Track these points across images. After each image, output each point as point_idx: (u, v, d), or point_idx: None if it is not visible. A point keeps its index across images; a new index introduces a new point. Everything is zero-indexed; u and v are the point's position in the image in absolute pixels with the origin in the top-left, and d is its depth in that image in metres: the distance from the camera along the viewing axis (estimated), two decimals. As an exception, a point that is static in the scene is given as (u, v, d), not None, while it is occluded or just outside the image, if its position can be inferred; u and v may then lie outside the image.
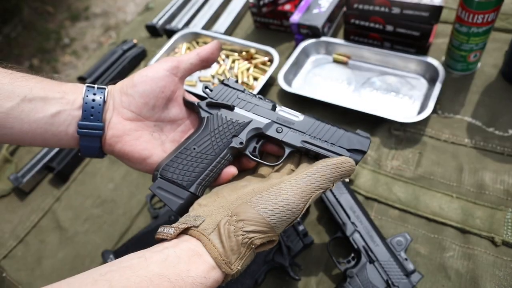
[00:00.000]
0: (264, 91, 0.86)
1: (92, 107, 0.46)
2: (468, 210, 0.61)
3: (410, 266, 0.56)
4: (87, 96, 0.47)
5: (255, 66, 0.89)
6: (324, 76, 0.85)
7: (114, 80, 0.97)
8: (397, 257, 0.57)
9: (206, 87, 0.53)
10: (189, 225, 0.39)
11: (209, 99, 0.51)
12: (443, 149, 0.70)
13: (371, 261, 0.57)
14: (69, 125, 0.46)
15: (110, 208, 0.77)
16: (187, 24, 1.05)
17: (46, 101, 0.44)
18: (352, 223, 0.60)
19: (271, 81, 0.87)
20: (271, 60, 0.88)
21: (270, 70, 0.84)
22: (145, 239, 0.67)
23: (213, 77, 0.91)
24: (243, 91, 0.52)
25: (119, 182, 0.81)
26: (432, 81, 0.77)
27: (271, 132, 0.49)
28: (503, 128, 0.70)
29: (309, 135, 0.49)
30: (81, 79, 0.98)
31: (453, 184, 0.65)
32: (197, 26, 1.04)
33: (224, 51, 0.95)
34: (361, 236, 0.59)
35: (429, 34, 0.78)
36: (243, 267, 0.38)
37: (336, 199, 0.63)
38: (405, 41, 0.81)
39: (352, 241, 0.59)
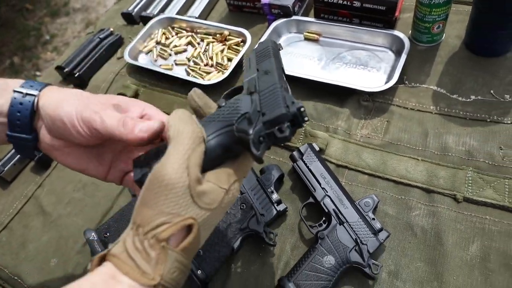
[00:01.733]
0: (238, 72, 0.88)
1: (18, 118, 0.43)
2: (433, 171, 0.65)
3: (377, 225, 0.59)
4: (14, 99, 0.43)
5: (229, 48, 0.91)
6: (296, 54, 0.87)
7: (90, 68, 0.98)
8: (365, 217, 0.60)
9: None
10: (104, 252, 0.35)
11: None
12: (410, 116, 0.73)
13: (341, 223, 0.60)
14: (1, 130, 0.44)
15: (91, 191, 0.79)
16: (162, 10, 1.07)
17: None
18: (323, 188, 0.63)
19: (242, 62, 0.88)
20: (244, 41, 0.90)
21: (242, 51, 0.86)
22: (126, 216, 0.69)
23: (188, 60, 0.92)
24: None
25: (100, 166, 0.83)
26: (398, 53, 0.80)
27: None
28: (465, 95, 0.73)
29: None
30: (60, 69, 0.99)
31: (418, 149, 0.68)
32: (172, 11, 1.05)
33: (199, 35, 0.97)
34: (331, 200, 0.62)
35: (395, 8, 0.80)
36: (173, 272, 0.34)
37: (307, 167, 0.65)
38: (372, 16, 0.83)
39: (323, 205, 0.62)
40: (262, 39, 0.87)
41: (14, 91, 0.43)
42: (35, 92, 0.44)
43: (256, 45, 0.56)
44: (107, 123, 0.42)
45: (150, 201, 0.34)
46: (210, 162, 0.40)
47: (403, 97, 0.75)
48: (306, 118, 0.38)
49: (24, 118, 0.43)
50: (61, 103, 0.43)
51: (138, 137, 0.42)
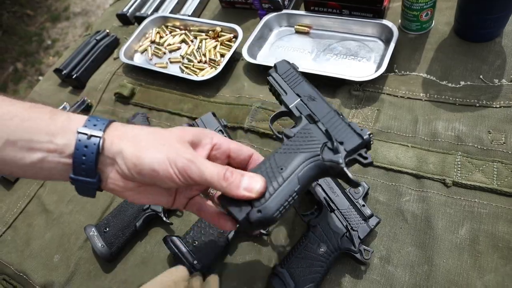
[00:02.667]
0: (230, 67, 0.89)
1: (83, 162, 0.40)
2: (422, 157, 0.65)
3: (367, 211, 0.60)
4: (79, 142, 0.40)
5: (222, 44, 0.92)
6: (288, 47, 0.88)
7: (87, 70, 1.00)
8: (356, 204, 0.61)
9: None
10: None
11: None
12: (400, 104, 0.74)
13: (332, 210, 0.61)
14: (60, 172, 0.41)
15: (92, 188, 0.81)
16: (156, 9, 1.08)
17: (30, 145, 0.39)
18: (314, 177, 0.64)
19: (237, 57, 0.90)
20: (236, 37, 0.91)
21: (234, 46, 0.87)
22: (124, 211, 0.71)
23: (182, 57, 0.94)
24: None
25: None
26: (388, 43, 0.80)
27: None
28: (455, 81, 0.74)
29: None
30: (58, 71, 1.01)
31: (408, 135, 0.69)
32: (165, 10, 1.06)
33: (192, 33, 0.98)
34: (322, 189, 0.63)
35: (383, -3, 0.81)
36: None
37: (298, 157, 0.66)
38: (361, 6, 0.84)
39: (315, 194, 0.63)
40: (254, 34, 0.88)
41: (79, 132, 0.40)
42: (99, 133, 0.40)
43: (273, 67, 0.60)
44: (206, 176, 0.41)
45: None
46: (301, 192, 0.44)
47: (393, 85, 0.76)
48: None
49: (89, 162, 0.40)
50: (144, 150, 0.41)
51: (244, 196, 0.42)
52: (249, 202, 0.42)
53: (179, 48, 0.96)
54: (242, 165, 0.49)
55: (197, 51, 0.93)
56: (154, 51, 0.97)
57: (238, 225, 0.45)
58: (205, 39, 0.94)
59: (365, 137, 0.46)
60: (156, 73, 0.93)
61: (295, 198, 0.44)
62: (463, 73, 0.74)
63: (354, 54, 0.82)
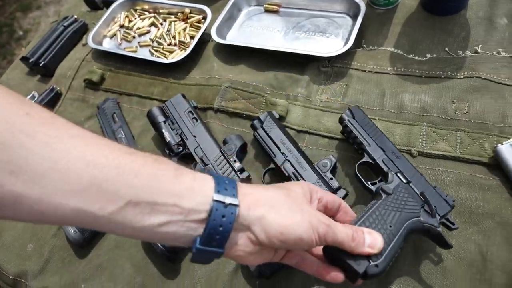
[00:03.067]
0: (200, 49, 0.88)
1: (218, 233, 0.36)
2: (389, 129, 0.66)
3: (335, 184, 0.61)
4: (216, 211, 0.35)
5: (191, 25, 0.91)
6: (257, 26, 0.87)
7: (55, 57, 0.97)
8: (324, 177, 0.62)
9: None
10: None
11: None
12: (368, 79, 0.74)
13: (300, 184, 0.62)
14: (181, 237, 0.36)
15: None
16: (124, -7, 1.05)
17: (153, 207, 0.34)
18: (282, 153, 0.65)
19: (207, 38, 0.89)
20: (205, 18, 0.90)
21: (203, 27, 0.86)
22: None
23: (152, 41, 0.92)
24: None
25: (71, 152, 0.83)
26: (356, 18, 0.80)
27: None
28: (422, 54, 0.74)
29: None
30: (24, 59, 0.98)
31: (376, 109, 0.70)
32: (134, -6, 1.04)
33: (162, 15, 0.96)
34: (291, 164, 0.64)
35: (350, -27, 0.81)
36: None
37: (267, 134, 0.66)
38: (329, -18, 0.84)
39: (283, 169, 0.64)
40: (222, 14, 0.87)
41: (215, 200, 0.36)
42: (236, 201, 0.36)
43: (348, 111, 0.64)
44: (339, 238, 0.42)
45: None
46: (397, 247, 0.49)
47: (361, 60, 0.77)
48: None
49: (225, 232, 0.36)
50: (289, 218, 0.38)
51: (369, 253, 0.44)
52: (366, 256, 0.46)
53: (148, 32, 0.95)
54: (334, 214, 0.49)
55: (166, 34, 0.91)
56: (123, 35, 0.95)
57: (353, 277, 0.46)
58: (174, 21, 0.93)
59: (451, 204, 0.54)
60: (125, 57, 0.91)
61: (398, 254, 0.50)
62: (430, 46, 0.75)
63: (322, 31, 0.82)
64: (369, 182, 0.59)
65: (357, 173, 0.60)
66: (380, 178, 0.59)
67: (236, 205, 0.36)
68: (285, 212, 0.39)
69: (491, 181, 0.60)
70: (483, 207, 0.58)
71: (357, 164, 0.60)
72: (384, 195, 0.54)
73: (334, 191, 0.60)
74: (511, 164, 0.57)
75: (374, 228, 0.49)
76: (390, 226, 0.50)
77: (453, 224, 0.53)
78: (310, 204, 0.44)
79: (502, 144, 0.58)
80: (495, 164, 0.60)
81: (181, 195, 0.35)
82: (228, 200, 0.36)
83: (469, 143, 0.62)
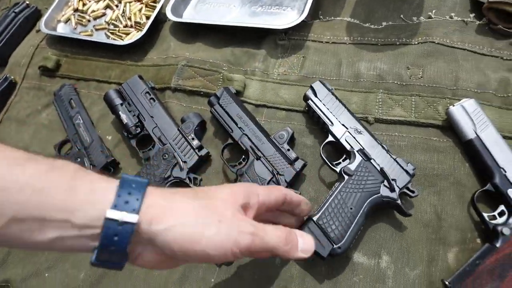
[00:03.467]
0: (157, 29, 0.86)
1: (111, 252, 0.33)
2: (346, 98, 0.66)
3: (292, 155, 0.61)
4: (108, 229, 0.32)
5: (147, 6, 0.89)
6: (213, 3, 0.85)
7: (7, 45, 0.94)
8: (281, 149, 0.61)
9: None
10: None
11: None
12: (325, 49, 0.73)
13: (258, 158, 0.61)
14: (80, 249, 0.34)
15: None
16: (78, -24, 1.02)
17: (42, 223, 0.32)
18: (240, 128, 0.64)
19: (164, 18, 0.86)
20: (160, -4, 0.87)
21: (158, 6, 0.84)
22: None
23: (108, 23, 0.89)
24: None
25: (29, 142, 0.81)
26: (312, -11, 0.79)
27: None
28: (378, 22, 0.74)
29: None
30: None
31: (333, 79, 0.69)
32: (88, -24, 1.00)
33: (117, -3, 0.93)
34: (248, 138, 0.63)
35: None
36: None
37: (224, 109, 0.66)
38: (284, -46, 0.82)
39: (241, 143, 0.63)
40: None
41: (107, 218, 0.32)
42: (133, 218, 0.33)
43: (310, 89, 0.64)
44: (270, 244, 0.38)
45: None
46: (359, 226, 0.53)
47: (318, 31, 0.76)
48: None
49: (119, 252, 0.33)
50: (200, 233, 0.35)
51: (300, 257, 0.42)
52: (327, 237, 0.52)
53: (104, 15, 0.92)
54: (291, 209, 0.48)
55: (122, 16, 0.89)
56: (77, 19, 0.92)
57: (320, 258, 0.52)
58: (130, 2, 0.90)
59: (411, 173, 0.56)
60: (81, 42, 0.88)
61: (361, 230, 0.54)
62: (385, 14, 0.75)
63: (279, 4, 0.81)
64: (334, 163, 0.59)
65: (322, 155, 0.60)
66: (344, 156, 0.59)
67: (132, 223, 0.33)
68: (193, 225, 0.35)
69: (445, 143, 0.60)
70: (437, 169, 0.59)
71: (322, 145, 0.61)
72: (346, 177, 0.56)
73: (292, 162, 0.60)
74: (462, 125, 0.58)
75: (336, 212, 0.53)
76: (351, 208, 0.53)
77: (413, 192, 0.55)
78: (246, 211, 0.40)
79: (453, 105, 0.59)
80: (448, 126, 0.61)
81: (73, 209, 0.32)
82: (125, 217, 0.33)
83: (424, 107, 0.63)
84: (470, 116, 0.57)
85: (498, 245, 0.50)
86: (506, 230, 0.51)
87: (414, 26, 0.71)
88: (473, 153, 0.57)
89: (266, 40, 0.76)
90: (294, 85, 0.70)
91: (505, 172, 0.54)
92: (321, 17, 0.78)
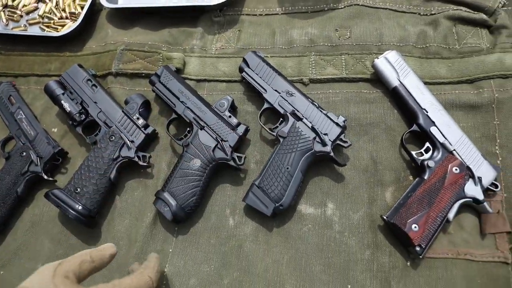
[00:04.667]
0: (93, 18, 0.86)
1: None
2: (281, 63, 0.69)
3: (234, 121, 0.63)
4: None
5: (80, -5, 0.88)
6: (148, -12, 0.86)
7: None
8: (222, 117, 0.64)
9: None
10: None
11: None
12: (259, 22, 0.76)
13: (202, 127, 0.63)
14: None
15: None
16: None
17: None
18: (182, 102, 0.65)
19: (100, 7, 0.86)
20: (94, -14, 0.87)
21: (92, -6, 0.83)
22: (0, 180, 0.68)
23: (42, 17, 0.88)
24: None
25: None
26: (242, -34, 0.82)
27: None
28: (306, -9, 0.78)
29: None
30: None
31: (268, 47, 0.72)
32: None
33: (49, -9, 0.92)
34: (191, 110, 0.65)
35: None
36: None
37: (165, 86, 0.67)
38: None
39: (184, 116, 0.65)
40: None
41: None
42: None
43: (243, 61, 0.67)
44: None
45: None
46: (298, 182, 0.57)
47: (251, 5, 0.79)
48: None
49: None
50: None
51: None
52: (269, 197, 0.56)
53: (36, 8, 0.90)
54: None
55: (56, 8, 0.87)
56: (8, 15, 0.90)
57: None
58: (62, -7, 0.89)
59: (342, 125, 0.59)
60: (15, 38, 0.86)
61: (300, 185, 0.58)
62: (313, -16, 0.78)
63: (212, -18, 0.82)
64: (272, 128, 0.62)
65: (260, 122, 0.63)
66: (280, 120, 0.63)
67: None
68: None
69: (374, 94, 0.65)
70: (370, 118, 0.63)
71: (259, 113, 0.64)
72: (281, 139, 0.60)
73: (234, 127, 0.63)
74: (386, 74, 0.62)
75: (274, 174, 0.57)
76: (288, 168, 0.57)
77: (346, 142, 0.59)
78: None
79: (377, 58, 0.63)
80: (377, 78, 0.65)
81: None
82: None
83: (353, 64, 0.67)
84: (393, 66, 0.62)
85: (425, 177, 0.55)
86: (431, 163, 0.56)
87: (336, -12, 0.75)
88: (399, 99, 0.61)
89: (202, 18, 0.78)
90: (232, 57, 0.72)
91: (427, 112, 0.59)
92: (253, -9, 0.80)
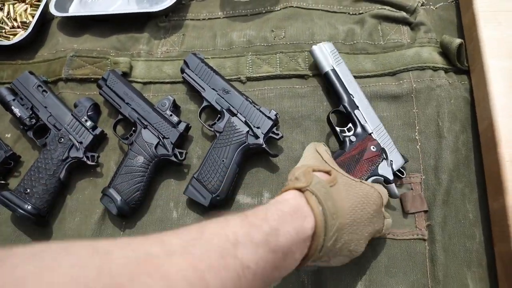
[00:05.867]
0: (45, 27, 0.88)
1: None
2: (221, 64, 0.74)
3: (174, 119, 0.67)
4: None
5: (31, 5, 0.91)
6: (97, -4, 0.89)
7: None
8: (164, 115, 0.68)
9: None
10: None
11: None
12: (202, 26, 0.81)
13: (145, 126, 0.67)
14: None
15: None
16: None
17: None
18: (127, 103, 0.69)
19: (51, 16, 0.89)
20: (45, -4, 0.90)
21: (42, 4, 0.86)
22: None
23: (-6, 27, 0.90)
24: None
25: None
26: (186, -27, 0.86)
27: None
28: (246, -5, 0.82)
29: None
30: None
31: (209, 50, 0.77)
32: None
33: None
34: (135, 111, 0.69)
35: None
36: (316, 184, 0.43)
37: (111, 89, 0.71)
38: None
39: (129, 117, 0.69)
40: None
41: None
42: None
43: (184, 63, 0.71)
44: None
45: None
46: (233, 174, 0.62)
47: (195, 11, 0.83)
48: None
49: None
50: None
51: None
52: (206, 189, 0.61)
53: (-12, 19, 0.92)
54: None
55: (7, 18, 0.90)
56: (-38, 27, 0.92)
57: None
58: (14, 3, 0.91)
59: (273, 118, 0.64)
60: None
61: (236, 176, 0.62)
62: (253, -12, 0.83)
63: (158, -10, 0.86)
64: (210, 124, 0.67)
65: (199, 119, 0.67)
66: (218, 116, 0.67)
67: None
68: None
69: (306, 89, 0.70)
70: (301, 111, 0.68)
71: (199, 111, 0.68)
72: (217, 134, 0.64)
73: (175, 125, 0.67)
74: (322, 59, 0.66)
75: (211, 167, 0.61)
76: (223, 160, 0.62)
77: (277, 134, 0.63)
78: None
79: (316, 45, 0.67)
80: (307, 74, 0.70)
81: None
82: None
83: (287, 62, 0.72)
84: (328, 53, 0.66)
85: (346, 149, 0.59)
86: (353, 138, 0.60)
87: (273, -9, 0.80)
88: (330, 82, 0.65)
89: (148, 24, 0.82)
90: (176, 60, 0.76)
91: (353, 97, 0.63)
92: (197, -3, 0.85)
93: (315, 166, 0.48)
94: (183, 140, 0.69)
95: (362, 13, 0.76)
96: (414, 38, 0.72)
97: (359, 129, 0.61)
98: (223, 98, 0.66)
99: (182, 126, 0.67)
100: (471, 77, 0.66)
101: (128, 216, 0.64)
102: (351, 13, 0.76)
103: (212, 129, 0.66)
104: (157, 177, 0.67)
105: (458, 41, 0.65)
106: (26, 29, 0.87)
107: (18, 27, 0.89)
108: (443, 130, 0.62)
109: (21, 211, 0.64)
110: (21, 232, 0.68)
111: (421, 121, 0.65)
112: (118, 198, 0.63)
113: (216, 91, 0.67)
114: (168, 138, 0.66)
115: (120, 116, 0.70)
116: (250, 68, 0.72)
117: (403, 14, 0.73)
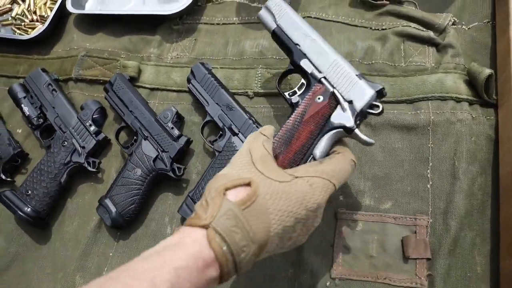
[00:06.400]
0: (62, 22, 0.88)
1: None
2: (229, 75, 0.71)
3: (175, 132, 0.66)
4: None
5: (51, -1, 0.91)
6: (116, -7, 0.88)
7: None
8: (165, 128, 0.66)
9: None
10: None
11: None
12: (216, 31, 0.78)
13: (146, 137, 0.66)
14: None
15: None
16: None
17: None
18: (131, 111, 0.68)
19: (68, 11, 0.88)
20: (64, -10, 0.89)
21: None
22: None
23: (15, 19, 0.91)
24: None
25: None
26: (204, -27, 0.82)
27: None
28: (263, 1, 0.78)
29: None
30: None
31: (219, 58, 0.74)
32: (-4, -28, 1.00)
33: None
34: (138, 120, 0.67)
35: None
36: (226, 219, 0.37)
37: (117, 95, 0.69)
38: None
39: (131, 125, 0.67)
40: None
41: None
42: None
43: (190, 73, 0.69)
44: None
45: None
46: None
47: (210, 14, 0.80)
48: None
49: None
50: None
51: None
52: None
53: (10, 10, 0.93)
54: None
55: (28, 10, 0.90)
56: (-16, 17, 0.93)
57: None
58: (35, -4, 0.92)
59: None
60: (-8, 39, 0.90)
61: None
62: (272, -7, 0.78)
63: (175, -10, 0.84)
64: (210, 141, 0.64)
65: (201, 134, 0.65)
66: (220, 133, 0.65)
67: None
68: None
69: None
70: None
71: (201, 125, 0.66)
72: (217, 153, 0.62)
73: (176, 138, 0.65)
74: (266, 21, 0.60)
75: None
76: None
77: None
78: None
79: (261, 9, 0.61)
80: (318, 94, 0.66)
81: None
82: None
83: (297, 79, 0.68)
84: (271, 11, 0.59)
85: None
86: (295, 99, 0.53)
87: (294, 3, 0.75)
88: (279, 41, 0.59)
89: (161, 26, 0.80)
90: (185, 67, 0.74)
91: (299, 47, 0.55)
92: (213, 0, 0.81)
93: (232, 181, 0.41)
94: (183, 154, 0.67)
95: (385, 28, 0.70)
96: (439, 62, 0.65)
97: (308, 83, 0.53)
98: (226, 114, 0.64)
99: (182, 141, 0.65)
100: (498, 112, 0.60)
101: (122, 228, 0.64)
102: (373, 28, 0.71)
103: (213, 146, 0.63)
104: (155, 190, 0.66)
105: (487, 71, 0.59)
106: (44, 23, 0.88)
107: (37, 20, 0.89)
108: (458, 171, 0.57)
109: (20, 213, 0.65)
110: (22, 231, 0.70)
111: (436, 158, 0.59)
112: (113, 209, 0.62)
113: (220, 107, 0.64)
114: (168, 152, 0.64)
115: (123, 124, 0.69)
116: (259, 83, 0.69)
117: (430, 34, 0.67)
